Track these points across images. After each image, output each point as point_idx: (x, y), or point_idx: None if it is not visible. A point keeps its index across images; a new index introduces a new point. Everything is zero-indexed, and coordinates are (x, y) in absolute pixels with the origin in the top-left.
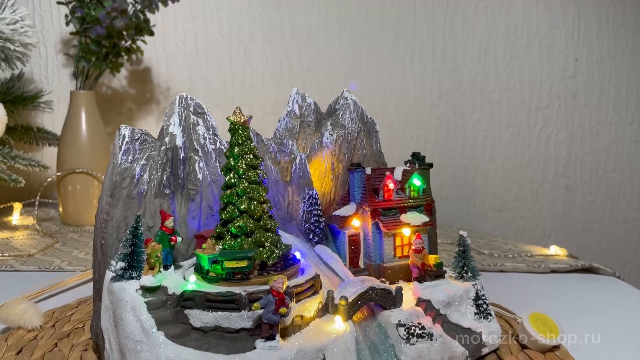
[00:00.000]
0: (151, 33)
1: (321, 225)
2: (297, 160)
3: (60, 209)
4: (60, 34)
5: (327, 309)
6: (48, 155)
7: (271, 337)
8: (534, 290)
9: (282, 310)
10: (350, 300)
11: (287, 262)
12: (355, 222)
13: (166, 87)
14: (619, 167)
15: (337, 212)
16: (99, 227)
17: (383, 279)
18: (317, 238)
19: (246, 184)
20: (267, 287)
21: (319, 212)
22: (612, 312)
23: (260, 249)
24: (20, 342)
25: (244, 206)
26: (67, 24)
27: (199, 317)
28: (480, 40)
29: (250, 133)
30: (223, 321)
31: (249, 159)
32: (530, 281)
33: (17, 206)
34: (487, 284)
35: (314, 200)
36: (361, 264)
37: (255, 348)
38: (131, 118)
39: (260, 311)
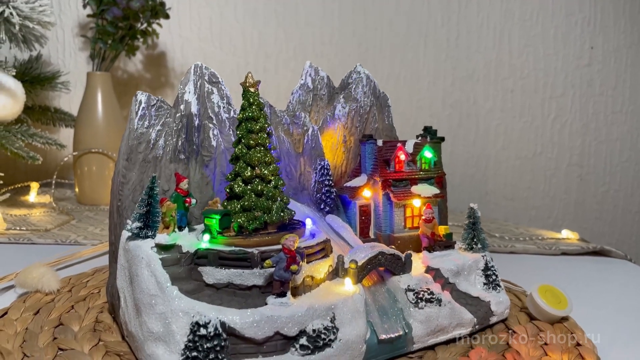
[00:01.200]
0: (166, 16)
1: (332, 196)
2: (310, 132)
3: (76, 189)
4: (77, 18)
5: (337, 273)
6: (65, 137)
7: (282, 294)
8: (544, 271)
9: (293, 267)
10: (360, 264)
11: (293, 225)
12: (366, 193)
13: (181, 72)
14: (634, 157)
15: (348, 184)
16: (115, 190)
17: (392, 247)
18: (328, 208)
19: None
20: (278, 246)
21: (331, 182)
22: (622, 292)
23: (247, 212)
24: (37, 304)
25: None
26: (85, 6)
27: (212, 274)
28: (495, 27)
29: (264, 103)
30: (235, 278)
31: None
32: (541, 262)
33: (34, 186)
34: (497, 264)
35: (326, 171)
36: (371, 234)
37: (266, 304)
38: None
39: (272, 269)
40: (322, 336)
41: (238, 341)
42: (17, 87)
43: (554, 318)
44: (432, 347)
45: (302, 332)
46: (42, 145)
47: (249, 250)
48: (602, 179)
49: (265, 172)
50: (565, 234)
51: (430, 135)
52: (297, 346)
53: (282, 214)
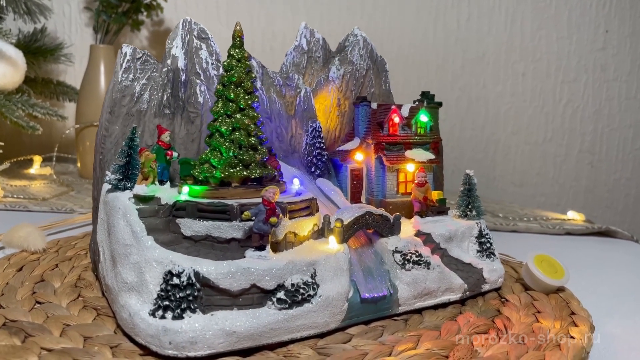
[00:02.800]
0: None
1: (324, 159)
2: (302, 93)
3: (79, 164)
4: None
5: (323, 233)
6: (69, 111)
7: (261, 248)
8: (545, 249)
9: (273, 220)
10: (346, 223)
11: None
12: (358, 156)
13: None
14: None
15: (340, 147)
16: (98, 144)
17: (381, 209)
18: (319, 171)
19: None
20: (259, 200)
21: (322, 145)
22: (625, 272)
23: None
24: (22, 262)
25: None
26: None
27: (190, 226)
28: (507, 8)
29: (255, 64)
30: (214, 230)
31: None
32: (543, 241)
33: (37, 159)
34: (497, 241)
35: (317, 133)
36: (363, 200)
37: (245, 257)
38: None
39: (252, 222)
40: (301, 291)
41: (212, 292)
42: (17, 55)
43: (550, 288)
44: (419, 311)
45: (281, 286)
46: (42, 116)
47: (229, 202)
48: (613, 167)
49: (247, 123)
50: (571, 215)
51: (428, 100)
52: (275, 300)
53: (262, 169)
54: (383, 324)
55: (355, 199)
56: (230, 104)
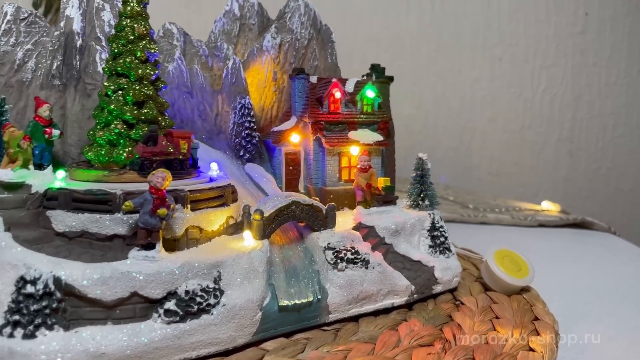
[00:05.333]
0: None
1: (254, 141)
2: (230, 65)
3: None
4: None
5: (242, 227)
6: None
7: (149, 246)
8: (515, 243)
9: (161, 211)
10: (266, 214)
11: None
12: (295, 138)
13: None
14: (628, 133)
15: (275, 128)
16: None
17: (316, 199)
18: (248, 155)
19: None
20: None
21: (252, 125)
22: (600, 266)
23: None
24: None
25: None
26: None
27: (62, 220)
28: None
29: (176, 30)
30: (91, 225)
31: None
32: (514, 234)
33: None
34: (463, 235)
35: (247, 111)
36: (301, 188)
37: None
38: None
39: (138, 214)
40: (198, 300)
41: (80, 303)
42: None
43: (512, 288)
44: (356, 319)
45: (172, 295)
46: None
47: (111, 190)
48: (593, 156)
49: (138, 95)
50: (546, 205)
51: (377, 74)
52: (162, 312)
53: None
54: (309, 335)
55: (291, 187)
56: (118, 77)
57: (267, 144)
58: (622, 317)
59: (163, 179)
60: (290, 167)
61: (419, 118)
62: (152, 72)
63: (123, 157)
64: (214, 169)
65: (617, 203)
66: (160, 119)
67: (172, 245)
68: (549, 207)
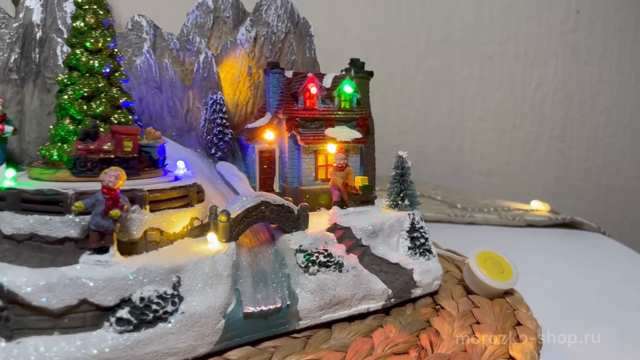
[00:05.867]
0: None
1: (226, 138)
2: (202, 58)
3: None
4: None
5: (209, 228)
6: None
7: (102, 250)
8: (502, 243)
9: (114, 213)
10: (233, 216)
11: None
12: (269, 135)
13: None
14: (620, 131)
15: (249, 125)
16: None
17: (289, 198)
18: (220, 153)
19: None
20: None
21: (225, 121)
22: (592, 268)
23: None
24: None
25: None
26: None
27: (10, 222)
28: None
29: (145, 23)
30: (41, 227)
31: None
32: (502, 234)
33: None
34: (449, 235)
35: (219, 107)
36: (276, 187)
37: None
38: None
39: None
40: (154, 307)
41: (24, 311)
42: None
43: (494, 291)
44: (329, 325)
45: (125, 302)
46: None
47: (63, 190)
48: (585, 155)
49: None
50: (535, 205)
51: (356, 69)
52: (113, 320)
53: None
54: (277, 344)
55: (265, 186)
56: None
57: (240, 141)
58: (608, 319)
59: (116, 177)
60: (265, 166)
61: (408, 117)
62: (103, 64)
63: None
64: (180, 168)
65: (609, 203)
66: (117, 114)
67: (129, 248)
68: (538, 207)
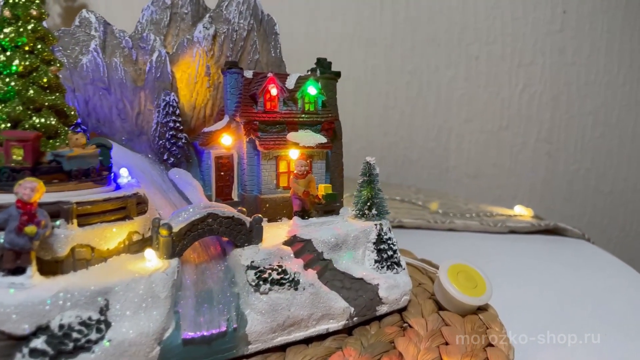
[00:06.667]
0: None
1: (180, 143)
2: (154, 57)
3: None
4: None
5: (151, 242)
6: None
7: (19, 271)
8: (482, 251)
9: (29, 229)
10: (176, 229)
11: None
12: (226, 140)
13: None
14: (608, 133)
15: (206, 129)
16: None
17: (242, 209)
18: (173, 159)
19: None
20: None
21: (178, 125)
22: (575, 278)
23: None
24: None
25: None
26: None
27: None
28: None
29: (94, 19)
30: None
31: None
32: (482, 241)
33: None
34: (426, 243)
35: (172, 109)
36: (234, 196)
37: None
38: None
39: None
40: (75, 335)
41: None
42: None
43: (467, 307)
44: (283, 348)
45: (42, 330)
46: None
47: None
48: (572, 156)
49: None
50: (519, 210)
51: (322, 69)
52: (26, 351)
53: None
54: None
55: (223, 194)
56: None
57: (195, 146)
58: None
59: (32, 190)
60: (222, 173)
61: (393, 118)
62: (7, 63)
63: None
64: (123, 176)
65: (597, 204)
66: (32, 120)
67: (53, 268)
68: (522, 212)
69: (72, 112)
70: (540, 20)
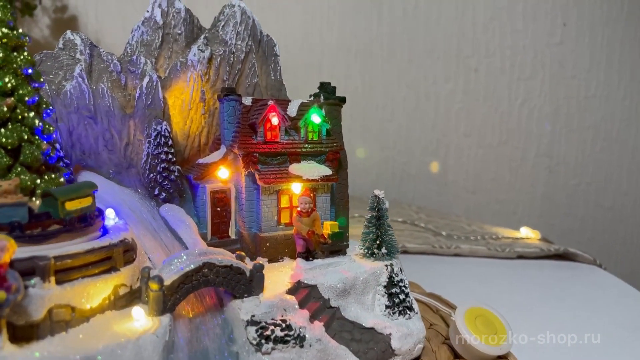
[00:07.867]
0: None
1: (172, 176)
2: (145, 83)
3: None
4: None
5: (141, 294)
6: None
7: None
8: (492, 279)
9: None
10: (168, 282)
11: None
12: (223, 173)
13: (95, 39)
14: (608, 147)
15: (201, 160)
16: None
17: (241, 253)
18: (165, 194)
19: None
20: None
21: (171, 157)
22: (592, 315)
23: None
24: None
25: None
26: None
27: None
28: None
29: (79, 41)
30: None
31: None
32: (490, 268)
33: None
34: (433, 269)
35: (164, 140)
36: (232, 234)
37: None
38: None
39: None
40: None
41: None
42: None
43: (485, 357)
44: None
45: None
46: None
47: None
48: (572, 171)
49: None
50: (525, 232)
51: (325, 94)
52: None
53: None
54: None
55: (219, 232)
56: None
57: (189, 179)
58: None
59: (1, 249)
60: (218, 209)
61: (391, 132)
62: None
63: None
64: (110, 217)
65: (597, 219)
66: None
67: (28, 333)
68: (528, 234)
69: (43, 144)
70: (539, 32)
